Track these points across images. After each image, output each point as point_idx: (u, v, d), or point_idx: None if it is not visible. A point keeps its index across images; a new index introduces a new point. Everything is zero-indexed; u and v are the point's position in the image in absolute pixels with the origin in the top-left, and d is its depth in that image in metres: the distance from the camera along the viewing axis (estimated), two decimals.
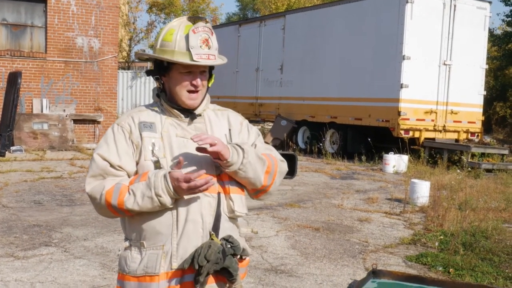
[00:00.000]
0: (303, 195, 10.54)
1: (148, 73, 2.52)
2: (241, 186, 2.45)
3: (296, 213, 8.86)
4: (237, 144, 2.37)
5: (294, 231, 7.64)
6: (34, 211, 8.24)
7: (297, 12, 20.60)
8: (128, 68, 35.14)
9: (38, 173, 11.71)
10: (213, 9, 54.87)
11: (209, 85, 2.52)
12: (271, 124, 21.64)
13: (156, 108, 2.45)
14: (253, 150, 2.41)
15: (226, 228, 2.37)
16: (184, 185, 2.21)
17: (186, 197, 2.29)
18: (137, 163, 2.35)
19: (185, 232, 2.29)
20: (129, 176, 2.35)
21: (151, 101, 2.59)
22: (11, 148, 14.73)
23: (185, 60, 2.32)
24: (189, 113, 2.43)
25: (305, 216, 8.63)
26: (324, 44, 18.25)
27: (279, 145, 18.32)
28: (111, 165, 2.32)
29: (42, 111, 16.75)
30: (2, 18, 16.69)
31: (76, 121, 17.02)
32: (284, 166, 2.59)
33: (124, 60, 36.66)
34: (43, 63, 16.99)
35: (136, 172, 2.35)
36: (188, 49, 2.32)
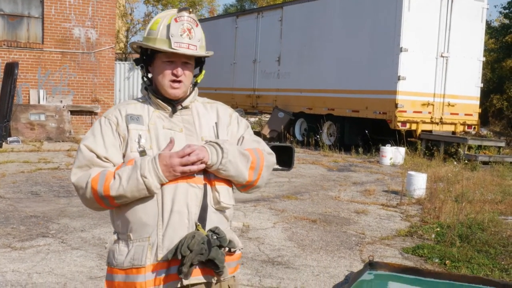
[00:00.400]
0: (300, 187, 10.56)
1: (137, 61, 2.52)
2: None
3: (293, 205, 8.88)
4: (216, 143, 2.34)
5: (291, 223, 7.66)
6: (31, 202, 8.24)
7: (295, 4, 20.52)
8: (125, 59, 35.04)
9: (35, 164, 11.71)
10: (210, 0, 54.71)
11: (198, 80, 2.50)
12: (269, 116, 21.63)
13: (144, 101, 2.46)
14: (234, 148, 2.38)
15: (214, 220, 2.35)
16: (177, 161, 2.20)
17: (171, 185, 2.27)
18: (123, 155, 2.34)
19: (171, 223, 2.27)
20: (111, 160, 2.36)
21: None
22: (8, 139, 14.71)
23: (164, 47, 2.33)
24: (173, 105, 2.43)
25: (302, 208, 8.65)
26: (322, 36, 18.22)
27: (276, 137, 18.33)
28: (98, 156, 2.31)
29: (39, 102, 16.71)
30: None
31: (73, 112, 17.01)
32: (271, 159, 2.57)
33: (121, 51, 36.55)
34: (40, 54, 16.94)
35: (123, 164, 2.34)
36: (168, 37, 2.33)
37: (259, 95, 21.19)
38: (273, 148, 10.79)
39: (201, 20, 29.75)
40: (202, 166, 2.27)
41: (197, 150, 2.25)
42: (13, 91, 14.52)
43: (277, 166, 11.53)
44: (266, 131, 19.05)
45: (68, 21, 17.19)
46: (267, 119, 21.99)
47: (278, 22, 20.13)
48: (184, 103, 2.45)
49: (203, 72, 2.53)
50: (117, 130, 2.36)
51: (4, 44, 16.46)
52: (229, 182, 2.44)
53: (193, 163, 2.23)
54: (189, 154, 2.22)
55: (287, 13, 19.88)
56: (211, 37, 23.12)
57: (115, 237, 2.41)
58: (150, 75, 2.48)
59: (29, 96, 16.76)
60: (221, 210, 2.41)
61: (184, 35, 2.34)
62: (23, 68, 16.36)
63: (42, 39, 17.02)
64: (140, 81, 2.53)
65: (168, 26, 2.34)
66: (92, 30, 17.55)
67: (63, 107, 16.61)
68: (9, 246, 6.05)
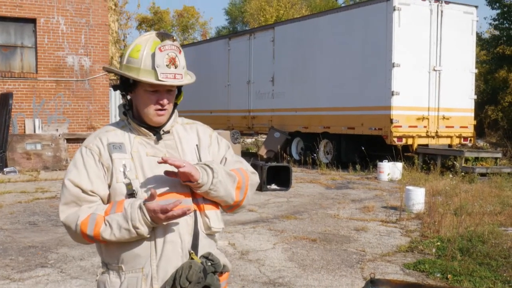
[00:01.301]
0: (299, 207, 10.53)
1: (115, 88, 2.43)
2: (214, 201, 2.42)
3: (292, 225, 8.85)
4: (205, 164, 2.33)
5: (291, 243, 7.62)
6: (29, 232, 8.20)
7: (286, 24, 20.70)
8: None
9: (33, 193, 11.66)
10: (202, 23, 55.12)
11: (178, 102, 2.46)
12: (265, 136, 21.68)
13: (124, 127, 2.40)
14: (222, 168, 2.37)
15: (205, 245, 2.34)
16: (162, 216, 2.16)
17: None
18: (109, 186, 2.29)
19: (164, 254, 2.25)
20: (102, 201, 2.30)
21: None
22: (4, 169, 14.68)
23: (150, 79, 2.25)
24: (157, 131, 2.38)
25: (301, 228, 8.62)
26: (314, 54, 18.33)
27: (273, 157, 18.33)
28: (83, 191, 2.27)
29: (35, 131, 16.71)
30: None
31: (69, 140, 16.99)
32: (255, 178, 2.56)
33: (115, 77, 36.70)
34: (34, 83, 16.98)
35: (109, 195, 2.30)
36: (153, 68, 2.26)
37: (255, 115, 21.25)
38: (271, 168, 10.93)
39: (194, 44, 29.92)
40: (189, 213, 2.22)
41: (187, 167, 2.21)
42: (8, 121, 14.53)
43: (275, 186, 11.69)
44: (263, 151, 19.05)
45: (61, 50, 17.26)
46: (264, 139, 22.01)
47: (271, 43, 20.25)
48: (166, 128, 2.39)
49: (182, 93, 2.47)
50: (100, 161, 2.29)
51: None
52: (216, 205, 2.42)
53: (178, 216, 2.19)
54: (172, 209, 2.15)
55: (278, 33, 20.02)
56: (205, 60, 23.39)
57: (104, 268, 2.36)
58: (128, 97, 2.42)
59: (24, 126, 16.76)
60: (211, 234, 2.40)
61: (170, 64, 2.27)
62: (18, 98, 16.39)
63: (36, 69, 17.08)
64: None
65: (153, 56, 2.26)
66: (85, 57, 17.62)
67: (59, 135, 16.61)
68: (8, 278, 6.00)
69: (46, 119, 17.13)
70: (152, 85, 2.28)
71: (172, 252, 2.25)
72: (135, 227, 2.18)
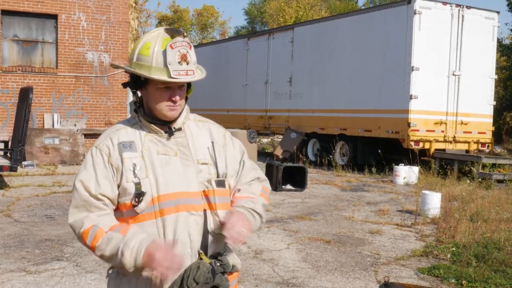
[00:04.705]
0: (314, 208, 10.52)
1: (125, 85, 2.42)
2: (227, 200, 2.42)
3: (307, 225, 8.84)
4: (251, 209, 2.37)
5: (305, 244, 7.62)
6: (46, 226, 8.28)
7: (306, 25, 20.68)
8: None
9: (50, 187, 11.78)
10: (221, 22, 55.29)
11: (188, 95, 2.44)
12: (281, 136, 21.67)
13: (135, 125, 2.38)
14: (260, 203, 2.44)
15: (214, 245, 2.34)
16: (154, 265, 2.10)
17: (172, 216, 2.24)
18: (118, 186, 2.28)
19: None
20: (112, 202, 2.28)
21: None
22: (23, 163, 14.80)
23: (163, 77, 2.24)
24: (169, 127, 2.36)
25: (316, 229, 8.62)
26: (333, 56, 18.30)
27: (289, 158, 18.32)
28: (91, 195, 2.25)
29: (53, 126, 16.87)
30: (14, 34, 16.88)
31: (87, 136, 17.12)
32: (269, 187, 2.62)
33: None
34: (54, 78, 17.14)
35: (119, 195, 2.28)
36: (165, 65, 2.24)
37: (271, 115, 21.25)
38: (286, 168, 10.94)
39: (212, 42, 30.01)
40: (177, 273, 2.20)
41: (247, 230, 2.25)
42: (28, 115, 14.63)
43: (291, 187, 11.69)
44: (278, 151, 19.05)
45: (81, 46, 17.41)
46: (280, 139, 22.01)
47: (289, 43, 20.24)
48: (177, 125, 2.38)
49: (192, 87, 2.45)
50: (110, 161, 2.28)
51: (18, 69, 16.69)
52: (228, 205, 2.42)
53: (166, 274, 2.14)
54: (168, 268, 2.10)
55: (298, 34, 20.00)
56: (223, 59, 23.47)
57: (113, 269, 2.36)
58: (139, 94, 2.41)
59: (43, 120, 16.92)
60: (221, 233, 2.37)
61: (182, 61, 2.26)
62: (38, 93, 16.53)
63: (56, 64, 17.23)
64: None
65: (164, 53, 2.25)
66: (105, 54, 17.74)
67: (77, 130, 16.74)
68: (24, 270, 6.07)
69: (64, 114, 17.28)
70: (164, 82, 2.27)
71: (181, 252, 2.24)
72: (122, 253, 2.14)
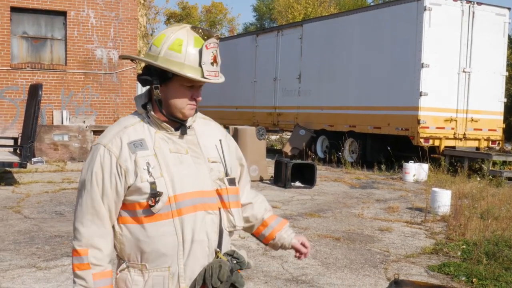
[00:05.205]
0: (323, 205, 10.50)
1: (143, 80, 2.31)
2: (238, 198, 2.42)
3: (316, 223, 8.82)
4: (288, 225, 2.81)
5: (314, 241, 7.60)
6: (55, 222, 8.30)
7: (315, 21, 20.62)
8: None
9: (59, 184, 11.82)
10: (230, 19, 55.27)
11: None
12: (290, 133, 21.63)
13: (142, 120, 2.32)
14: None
15: (227, 242, 2.35)
16: None
17: (191, 215, 2.22)
18: (129, 187, 2.21)
19: (192, 253, 2.22)
20: (116, 206, 2.24)
21: None
22: (32, 159, 14.83)
23: (196, 76, 2.21)
24: (180, 125, 2.32)
25: (325, 226, 8.59)
26: (342, 52, 18.24)
27: (298, 155, 18.29)
28: (95, 200, 2.21)
29: (62, 123, 16.92)
30: (23, 31, 16.93)
31: (95, 132, 17.15)
32: None
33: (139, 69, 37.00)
34: (63, 75, 17.18)
35: (132, 194, 2.22)
36: (200, 65, 2.21)
37: (280, 112, 21.22)
38: (295, 165, 10.90)
39: (221, 39, 29.97)
40: None
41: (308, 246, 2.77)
42: (37, 112, 14.68)
43: (300, 184, 11.66)
44: (287, 148, 19.02)
45: (90, 43, 17.44)
46: (288, 136, 21.97)
47: (298, 40, 20.19)
48: (188, 123, 2.34)
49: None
50: (118, 162, 2.21)
51: (28, 66, 16.74)
52: (239, 203, 2.43)
53: None
54: None
55: (307, 30, 19.94)
56: (232, 56, 23.43)
57: (123, 265, 2.30)
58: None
59: (52, 117, 16.97)
60: (231, 232, 2.39)
61: (214, 62, 2.25)
62: (47, 90, 16.58)
63: (65, 61, 17.27)
64: None
65: (200, 53, 2.22)
66: (114, 51, 17.76)
67: (86, 127, 16.79)
68: (34, 266, 6.08)
69: (73, 111, 17.33)
70: (191, 81, 2.24)
71: (199, 251, 2.23)
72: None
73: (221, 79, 2.32)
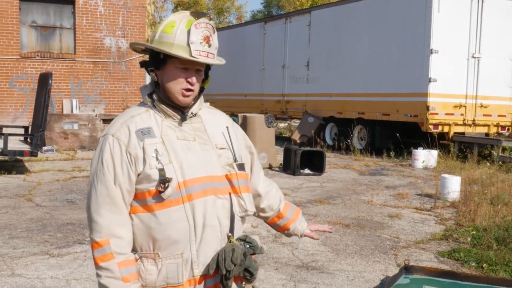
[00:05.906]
0: (332, 192, 10.52)
1: (142, 64, 2.34)
2: (248, 183, 2.44)
3: (325, 209, 8.85)
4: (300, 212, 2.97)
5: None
6: (67, 210, 8.38)
7: (323, 8, 20.51)
8: None
9: (70, 172, 11.90)
10: (238, 7, 55.07)
11: (205, 86, 2.41)
12: (298, 121, 21.63)
13: (149, 110, 2.31)
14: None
15: (238, 228, 2.35)
16: None
17: (201, 200, 2.22)
18: (138, 174, 2.21)
19: (204, 238, 2.22)
20: (129, 194, 2.23)
21: None
22: (43, 148, 14.94)
23: (183, 54, 2.19)
24: (182, 112, 2.31)
25: (335, 213, 8.62)
26: (350, 39, 18.16)
27: (307, 142, 18.30)
28: (109, 187, 2.21)
29: (72, 112, 17.00)
30: (32, 20, 16.98)
31: (105, 121, 17.23)
32: None
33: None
34: (72, 64, 17.24)
35: (141, 182, 2.22)
36: (188, 44, 2.20)
37: (289, 100, 21.20)
38: (304, 153, 10.93)
39: (229, 27, 29.92)
40: None
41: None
42: (48, 101, 14.75)
43: (309, 171, 11.70)
44: (296, 136, 19.03)
45: (99, 31, 17.47)
46: (297, 124, 21.97)
47: (307, 27, 20.11)
48: (194, 110, 2.33)
49: (209, 78, 2.42)
50: (128, 150, 2.21)
51: (37, 55, 16.81)
52: (249, 188, 2.44)
53: None
54: None
55: (315, 17, 19.86)
56: (239, 44, 23.41)
57: (136, 256, 2.26)
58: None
59: (62, 106, 17.06)
60: (243, 217, 2.39)
61: (204, 42, 2.23)
62: (56, 78, 16.65)
63: (74, 50, 17.33)
64: None
65: (188, 32, 2.21)
66: (122, 39, 17.79)
67: (96, 116, 16.86)
68: (47, 253, 6.16)
69: (83, 100, 17.40)
70: (183, 62, 2.23)
71: (211, 236, 2.23)
72: (100, 273, 2.19)
73: (215, 61, 2.29)
